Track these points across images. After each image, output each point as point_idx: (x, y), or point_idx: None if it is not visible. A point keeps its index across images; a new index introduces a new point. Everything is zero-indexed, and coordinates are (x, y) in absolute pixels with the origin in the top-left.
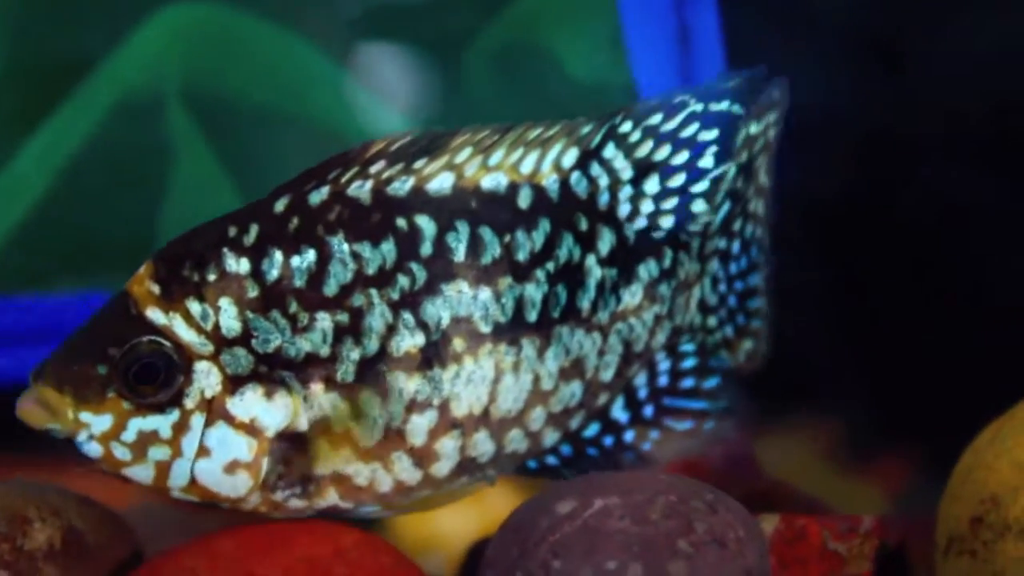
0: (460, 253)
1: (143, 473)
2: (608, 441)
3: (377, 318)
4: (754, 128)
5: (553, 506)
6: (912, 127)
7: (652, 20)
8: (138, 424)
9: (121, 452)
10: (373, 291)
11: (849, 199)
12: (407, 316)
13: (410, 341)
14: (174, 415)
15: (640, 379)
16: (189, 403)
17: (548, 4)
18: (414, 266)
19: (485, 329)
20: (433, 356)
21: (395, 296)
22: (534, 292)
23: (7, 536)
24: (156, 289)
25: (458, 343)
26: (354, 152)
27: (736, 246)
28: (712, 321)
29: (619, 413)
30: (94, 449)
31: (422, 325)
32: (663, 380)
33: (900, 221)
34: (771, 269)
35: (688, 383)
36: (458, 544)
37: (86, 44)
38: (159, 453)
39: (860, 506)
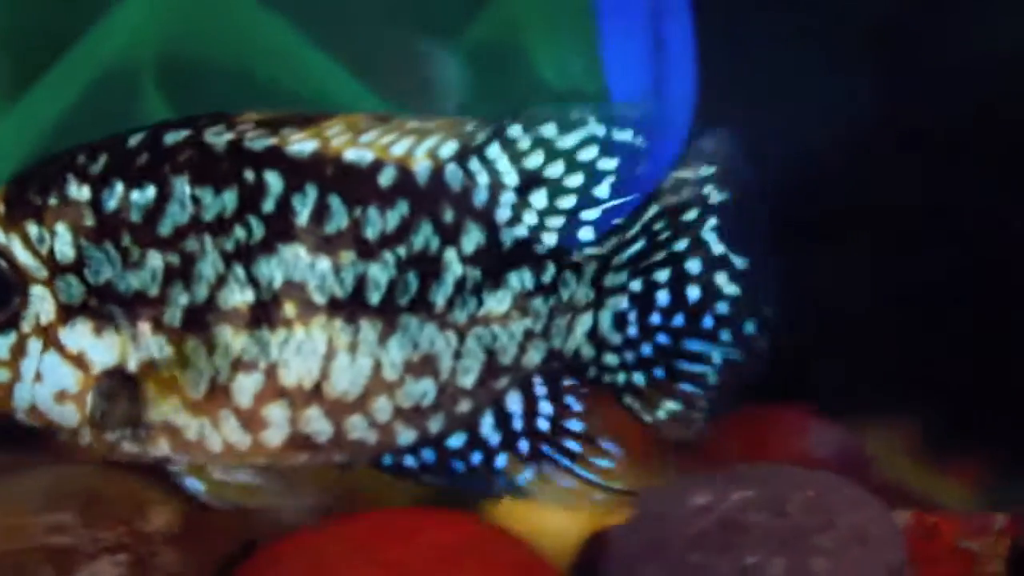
0: (303, 217)
1: None
2: (476, 459)
3: (208, 266)
4: (683, 173)
5: (687, 498)
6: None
7: (628, 30)
8: None
9: None
10: (208, 238)
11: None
12: (238, 270)
13: (239, 296)
14: (11, 337)
15: (514, 403)
16: (26, 327)
17: (528, 7)
18: (253, 220)
19: (320, 300)
20: (262, 316)
21: (229, 247)
22: (379, 273)
23: (127, 519)
24: (1, 209)
25: (289, 308)
26: (226, 113)
27: (663, 297)
28: (610, 359)
29: (489, 431)
30: None
31: (253, 282)
32: (543, 425)
33: (979, 221)
34: (748, 359)
35: (572, 445)
36: (561, 540)
37: (71, 18)
38: (1, 375)
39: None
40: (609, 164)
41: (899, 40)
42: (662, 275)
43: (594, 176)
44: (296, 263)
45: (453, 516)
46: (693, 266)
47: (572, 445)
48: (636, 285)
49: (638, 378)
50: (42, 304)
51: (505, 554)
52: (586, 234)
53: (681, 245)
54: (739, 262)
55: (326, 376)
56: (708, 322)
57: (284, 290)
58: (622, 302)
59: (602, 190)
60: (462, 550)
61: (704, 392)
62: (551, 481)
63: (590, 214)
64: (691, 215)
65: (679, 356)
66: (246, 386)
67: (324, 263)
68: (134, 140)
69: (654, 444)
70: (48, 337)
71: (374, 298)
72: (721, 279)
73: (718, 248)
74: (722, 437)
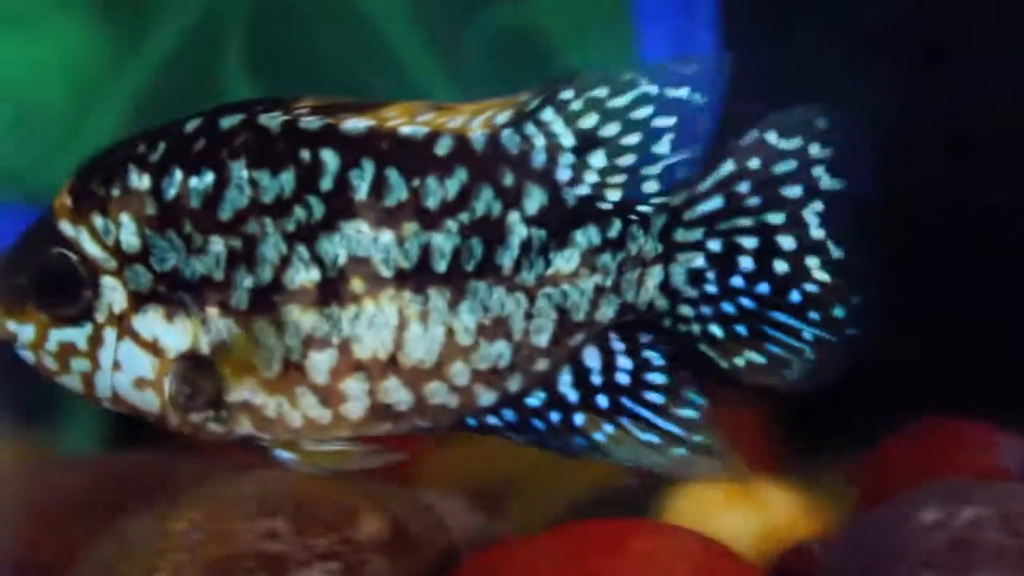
0: (362, 192)
1: (73, 383)
2: (555, 417)
3: (271, 248)
4: (772, 138)
5: (914, 515)
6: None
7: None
8: (57, 336)
9: (49, 362)
10: (268, 220)
11: None
12: (301, 249)
13: (304, 275)
14: (87, 328)
15: (592, 359)
16: (100, 317)
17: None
18: (312, 199)
19: (386, 273)
20: (330, 293)
21: (290, 227)
22: (443, 242)
23: (338, 526)
24: (69, 202)
25: (356, 284)
26: (284, 98)
27: (746, 263)
28: (686, 311)
29: (567, 389)
30: (29, 357)
31: (317, 260)
32: (623, 379)
33: None
34: (838, 342)
35: (657, 398)
36: (738, 547)
37: None
38: (80, 365)
39: None
40: (666, 121)
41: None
42: (748, 242)
43: (651, 133)
44: (359, 238)
45: (655, 525)
46: (786, 242)
47: (654, 397)
48: (715, 245)
49: (715, 329)
50: (113, 294)
51: (716, 563)
52: (651, 187)
53: (776, 219)
54: (836, 252)
55: (400, 347)
56: (796, 296)
57: (350, 266)
58: (697, 259)
59: (662, 146)
60: (673, 559)
61: (798, 360)
62: (631, 435)
63: (652, 169)
64: (793, 191)
65: (766, 322)
66: (320, 363)
67: (387, 236)
68: (191, 126)
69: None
70: (122, 326)
71: (440, 266)
72: (813, 262)
73: (817, 233)
74: (903, 449)
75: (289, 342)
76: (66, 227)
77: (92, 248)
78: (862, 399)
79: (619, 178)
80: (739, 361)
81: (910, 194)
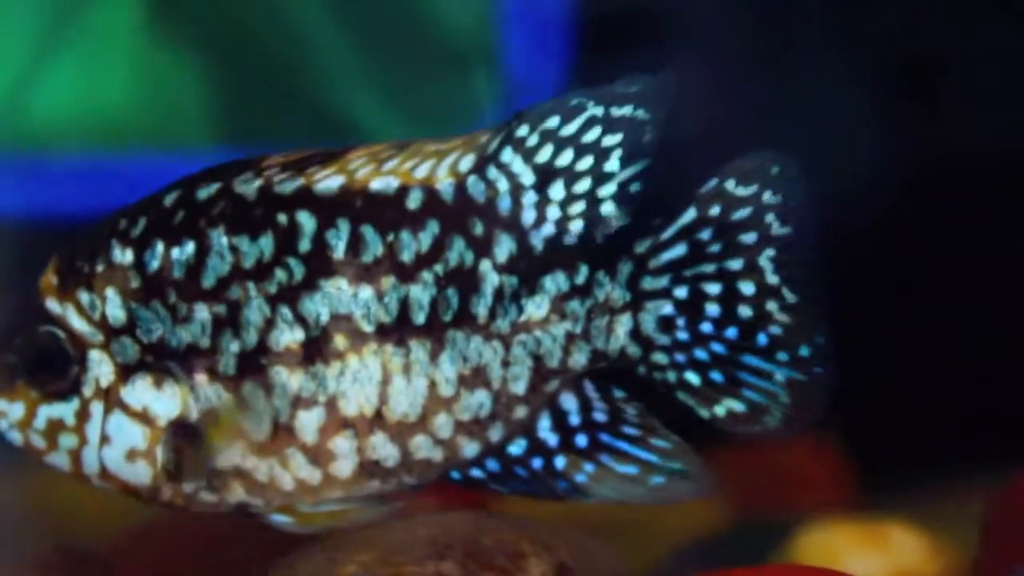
0: (340, 250)
1: (60, 461)
2: (536, 464)
3: (255, 311)
4: (731, 186)
5: None
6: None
7: None
8: (46, 412)
9: (37, 440)
10: (251, 284)
11: None
12: (285, 311)
13: (289, 336)
14: (75, 403)
15: (569, 402)
16: (87, 391)
17: None
18: (292, 261)
19: (368, 328)
20: (315, 352)
21: (272, 290)
22: (420, 294)
23: (506, 570)
24: (55, 280)
25: (340, 340)
26: (253, 159)
27: (712, 309)
28: (659, 358)
29: (546, 434)
30: (15, 438)
31: (301, 320)
32: (599, 416)
33: None
34: (809, 380)
35: (631, 430)
36: None
37: None
38: (68, 441)
39: None
40: (613, 139)
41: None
42: (712, 288)
43: (601, 154)
44: (340, 296)
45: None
46: (746, 288)
47: (630, 430)
48: (681, 292)
49: (691, 376)
50: (100, 367)
51: None
52: (608, 209)
53: (735, 264)
54: (791, 297)
55: (385, 401)
56: (763, 339)
57: (332, 324)
58: (665, 307)
59: (612, 164)
60: None
61: (774, 405)
62: (611, 471)
63: (607, 189)
64: (749, 238)
65: (739, 367)
66: (308, 422)
67: (367, 292)
68: (169, 199)
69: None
70: (109, 398)
71: (419, 318)
72: (772, 306)
73: (773, 279)
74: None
75: (277, 403)
76: (52, 304)
77: (79, 323)
78: (989, 431)
79: (578, 207)
80: (719, 410)
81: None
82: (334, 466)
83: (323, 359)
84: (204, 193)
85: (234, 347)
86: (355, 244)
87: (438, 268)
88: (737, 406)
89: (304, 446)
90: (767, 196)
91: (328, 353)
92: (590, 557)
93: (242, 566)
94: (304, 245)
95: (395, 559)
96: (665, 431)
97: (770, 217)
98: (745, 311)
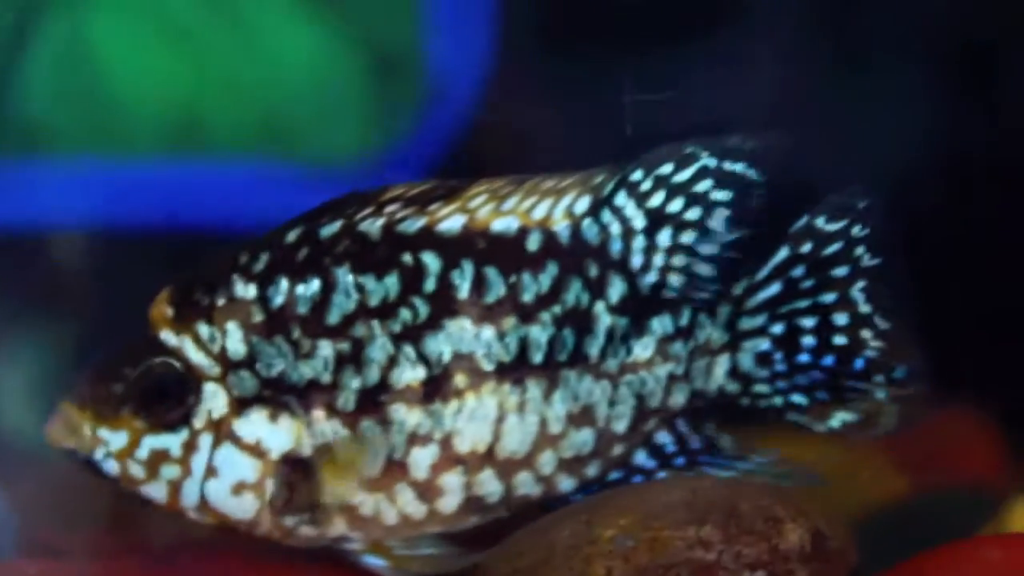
0: (464, 290)
1: (157, 492)
2: (637, 479)
3: (378, 349)
4: (821, 222)
5: None
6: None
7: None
8: (150, 442)
9: (136, 470)
10: (375, 322)
11: None
12: (408, 349)
13: (411, 374)
14: (183, 434)
15: (663, 438)
16: (198, 423)
17: None
18: (417, 300)
19: (488, 367)
20: (434, 390)
21: (397, 328)
22: (539, 334)
23: (765, 535)
24: (170, 312)
25: (460, 379)
26: (372, 193)
27: (808, 340)
28: (762, 388)
29: (643, 460)
30: (112, 467)
31: (423, 359)
32: (695, 444)
33: None
34: (909, 393)
35: (727, 453)
36: None
37: None
38: (170, 472)
39: None
40: (723, 195)
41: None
42: (807, 322)
43: (709, 208)
44: (462, 335)
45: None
46: (840, 319)
47: (726, 453)
48: (778, 328)
49: (798, 398)
50: (215, 400)
51: None
52: (705, 271)
53: (828, 298)
54: (883, 324)
55: (498, 438)
56: (859, 364)
57: (453, 363)
58: (763, 343)
59: (717, 223)
60: None
61: (881, 408)
62: (713, 478)
63: (709, 248)
64: (841, 271)
65: (843, 389)
66: (422, 459)
67: (488, 331)
68: (292, 235)
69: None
70: (220, 431)
71: (537, 358)
72: (866, 334)
73: (865, 308)
74: None
75: (394, 440)
76: (168, 336)
77: (196, 356)
78: None
79: (681, 259)
80: (834, 423)
81: None
82: (440, 502)
83: (442, 397)
84: (327, 231)
85: (355, 384)
86: (479, 285)
87: (556, 309)
88: (849, 417)
89: (415, 482)
90: (856, 230)
91: (448, 391)
92: (840, 527)
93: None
94: (429, 285)
95: (654, 523)
96: (763, 450)
97: (860, 250)
98: (840, 340)
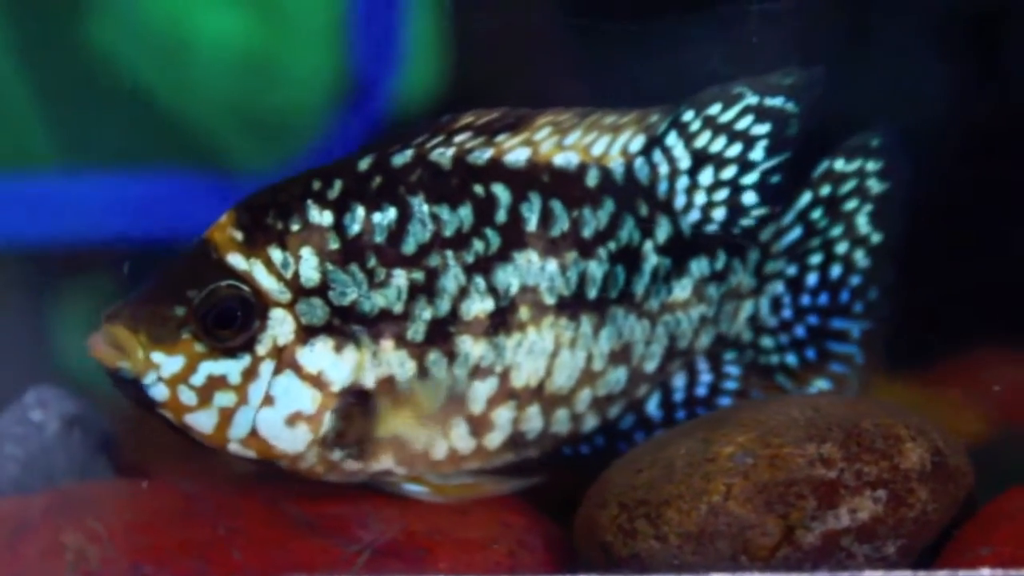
0: (532, 223)
1: (205, 420)
2: (639, 437)
3: (451, 280)
4: (840, 164)
5: None
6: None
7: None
8: (209, 367)
9: (187, 396)
10: (449, 253)
11: None
12: (479, 280)
13: (479, 306)
14: (245, 360)
15: (678, 381)
16: (261, 350)
17: None
18: (489, 232)
19: (550, 300)
20: (500, 323)
21: (469, 259)
22: (596, 270)
23: (886, 454)
24: (238, 235)
25: (524, 312)
26: (442, 122)
27: (812, 279)
28: (767, 342)
29: (654, 410)
30: (160, 392)
31: (492, 291)
32: (702, 391)
33: None
34: (877, 326)
35: (727, 402)
36: None
37: None
38: (225, 399)
39: None
40: (762, 129)
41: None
42: (815, 259)
43: (749, 142)
44: (529, 268)
45: None
46: (840, 248)
47: (725, 401)
48: (791, 270)
49: (791, 359)
50: (281, 327)
51: None
52: (748, 199)
53: (836, 231)
54: (876, 238)
55: (549, 373)
56: (845, 296)
57: (519, 295)
58: (778, 287)
59: (757, 154)
60: None
61: (852, 371)
62: None
63: (750, 178)
64: (850, 205)
65: (827, 336)
66: (481, 392)
67: (552, 265)
68: (364, 164)
69: None
70: (282, 359)
71: (591, 293)
72: (859, 255)
73: (864, 229)
74: None
75: (457, 372)
76: (236, 259)
77: (267, 281)
78: None
79: (722, 193)
80: (811, 390)
81: None
82: (489, 437)
83: (506, 330)
84: (399, 160)
85: (426, 314)
86: (545, 218)
87: (612, 245)
88: (824, 384)
89: (470, 416)
90: (869, 165)
91: (511, 324)
92: (958, 448)
93: None
94: (500, 216)
95: (774, 440)
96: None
97: (871, 181)
98: (836, 270)
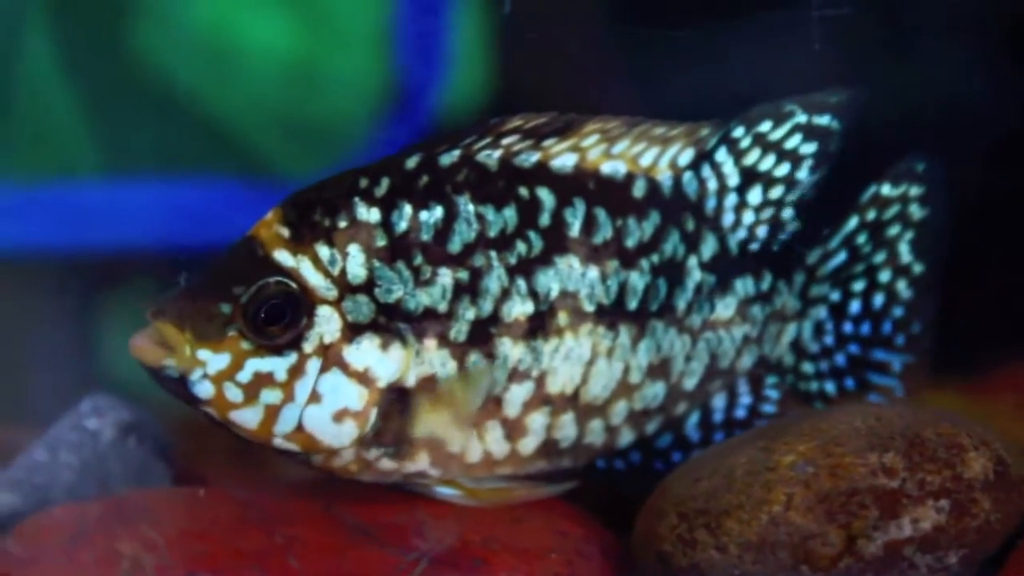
0: (575, 229)
1: (251, 417)
2: (676, 457)
3: (494, 280)
4: (886, 189)
5: None
6: None
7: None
8: (255, 365)
9: (233, 393)
10: (493, 253)
11: None
12: (521, 282)
13: (520, 308)
14: (291, 358)
15: (719, 401)
16: (308, 347)
17: None
18: (532, 234)
19: (589, 308)
20: (538, 326)
21: (512, 261)
22: (637, 280)
23: (949, 463)
24: (285, 232)
25: (563, 317)
26: (491, 124)
27: (855, 306)
28: (807, 368)
29: (692, 431)
30: (206, 389)
31: (533, 294)
32: (741, 413)
33: None
34: (919, 361)
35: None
36: None
37: None
38: (271, 396)
39: None
40: (809, 148)
41: None
42: (858, 285)
43: (796, 161)
44: (570, 273)
45: None
46: (883, 276)
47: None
48: (835, 295)
49: (830, 387)
50: (328, 324)
51: None
52: (787, 215)
53: (879, 258)
54: (918, 268)
55: (584, 381)
56: (887, 327)
57: (559, 300)
58: (822, 311)
59: (802, 173)
60: None
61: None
62: None
63: (792, 195)
64: (893, 231)
65: (868, 367)
66: (517, 396)
67: (593, 272)
68: (411, 162)
69: None
70: (329, 356)
71: (632, 304)
72: (901, 285)
73: (906, 258)
74: None
75: (496, 374)
76: (283, 256)
77: (314, 277)
78: None
79: (768, 212)
80: None
81: None
82: (522, 442)
83: (544, 334)
84: (446, 159)
85: (470, 314)
86: (588, 225)
87: (655, 258)
88: None
89: (505, 419)
90: (913, 190)
91: (550, 328)
92: (1020, 454)
93: None
94: (544, 220)
95: (835, 450)
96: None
97: (913, 207)
98: (879, 299)
